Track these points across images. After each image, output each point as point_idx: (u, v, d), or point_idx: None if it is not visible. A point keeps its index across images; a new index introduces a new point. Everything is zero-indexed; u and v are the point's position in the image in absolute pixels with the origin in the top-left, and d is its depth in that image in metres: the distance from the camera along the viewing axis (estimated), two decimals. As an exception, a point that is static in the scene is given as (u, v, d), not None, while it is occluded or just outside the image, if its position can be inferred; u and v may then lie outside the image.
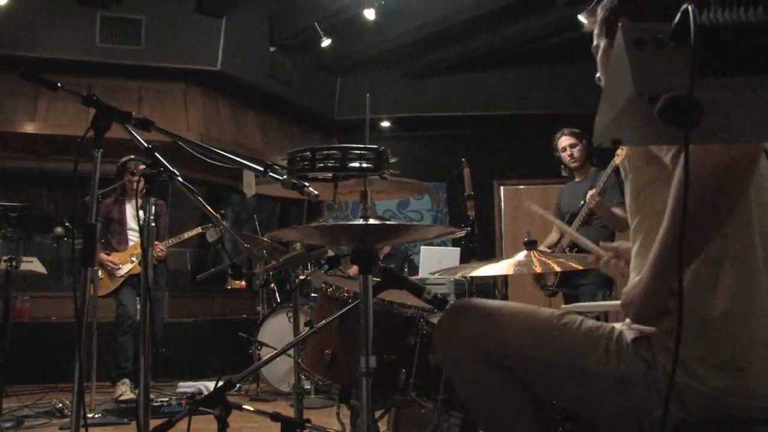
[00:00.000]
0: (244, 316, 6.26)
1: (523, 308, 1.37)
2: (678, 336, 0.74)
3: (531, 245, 2.15)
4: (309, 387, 4.21)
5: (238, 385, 4.81)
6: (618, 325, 1.32)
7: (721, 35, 0.71)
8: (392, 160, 1.54)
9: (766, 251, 1.16)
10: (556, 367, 1.26)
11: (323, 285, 1.87)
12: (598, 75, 1.39)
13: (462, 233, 1.67)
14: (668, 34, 0.73)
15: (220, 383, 1.73)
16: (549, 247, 3.81)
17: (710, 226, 1.06)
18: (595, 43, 1.38)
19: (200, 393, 4.35)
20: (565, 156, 3.85)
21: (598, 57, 1.37)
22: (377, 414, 2.01)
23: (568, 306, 2.02)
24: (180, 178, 1.94)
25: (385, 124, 7.59)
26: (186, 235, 4.57)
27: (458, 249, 4.44)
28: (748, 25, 0.71)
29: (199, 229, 4.53)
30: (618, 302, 1.28)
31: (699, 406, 1.14)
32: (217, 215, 2.10)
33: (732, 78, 0.72)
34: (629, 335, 1.24)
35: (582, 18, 1.41)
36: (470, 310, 1.38)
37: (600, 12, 1.36)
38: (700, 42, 0.69)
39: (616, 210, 3.45)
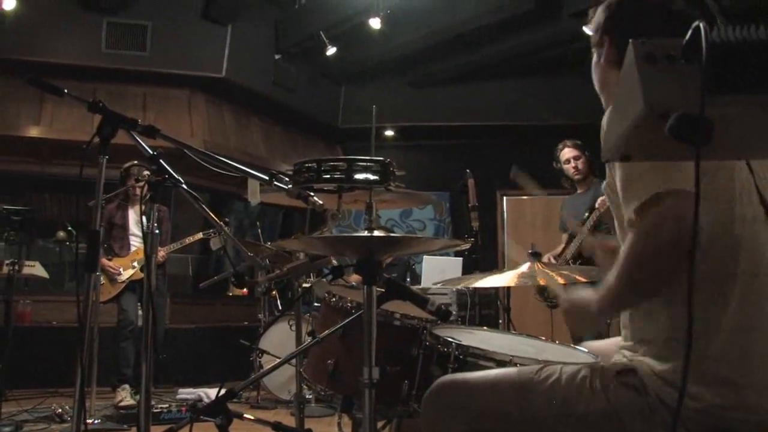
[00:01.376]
0: (246, 323, 6.24)
1: (504, 373, 1.38)
2: (685, 368, 0.73)
3: (535, 257, 2.15)
4: (309, 396, 4.19)
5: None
6: (601, 362, 1.34)
7: (732, 53, 0.71)
8: (399, 173, 1.54)
9: (749, 269, 1.17)
10: (548, 421, 1.26)
11: (326, 295, 1.87)
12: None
13: (467, 245, 1.66)
14: (679, 50, 0.73)
15: (222, 392, 1.72)
16: (553, 258, 3.81)
17: (652, 289, 1.16)
18: (593, 53, 1.39)
19: (200, 400, 4.34)
20: (569, 168, 3.85)
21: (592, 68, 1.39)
22: (379, 425, 2.00)
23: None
24: (185, 186, 1.95)
25: (389, 133, 7.60)
26: (188, 241, 4.57)
27: (461, 259, 4.43)
28: (759, 43, 0.71)
29: (200, 235, 4.53)
30: (591, 360, 1.33)
31: (697, 424, 1.13)
32: (221, 223, 2.10)
33: (742, 95, 0.72)
34: (613, 368, 1.25)
35: (585, 29, 1.43)
36: (453, 388, 1.37)
37: (592, 24, 1.37)
38: (711, 59, 0.69)
39: None
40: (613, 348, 1.46)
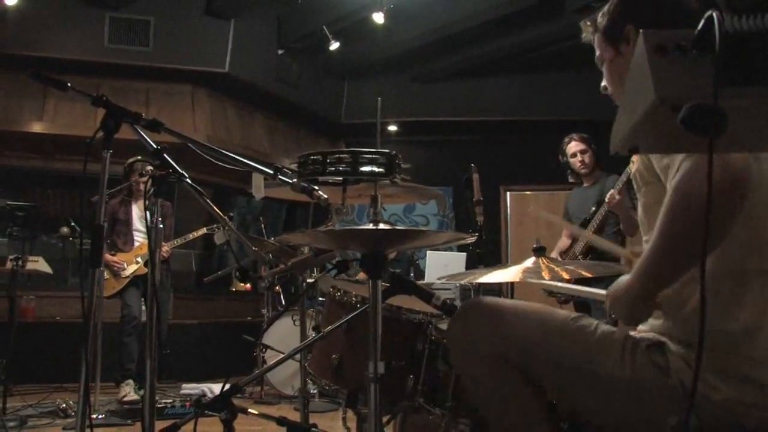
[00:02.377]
0: (249, 318, 6.26)
1: (537, 308, 1.36)
2: (699, 353, 0.73)
3: (540, 252, 2.13)
4: (314, 391, 4.19)
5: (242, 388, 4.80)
6: (633, 332, 1.30)
7: (745, 43, 0.70)
8: (405, 166, 1.53)
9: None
10: (568, 368, 1.25)
11: (331, 289, 1.86)
12: (603, 84, 1.37)
13: (471, 239, 1.66)
14: (690, 41, 0.72)
15: (227, 387, 1.72)
16: (560, 254, 3.78)
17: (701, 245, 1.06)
18: (598, 53, 1.37)
19: (204, 395, 4.34)
20: (575, 162, 3.82)
21: (605, 67, 1.36)
22: (384, 420, 2.00)
23: (549, 283, 1.99)
24: (189, 180, 1.94)
25: (392, 128, 7.59)
26: (191, 236, 4.58)
27: (464, 254, 4.43)
28: (769, 32, 0.70)
29: (204, 230, 4.53)
30: (603, 292, 1.28)
31: (712, 415, 1.13)
32: (226, 218, 2.09)
33: (756, 87, 0.71)
34: (644, 342, 1.24)
35: (582, 26, 1.40)
36: (482, 309, 1.37)
37: (601, 20, 1.34)
38: (724, 49, 0.68)
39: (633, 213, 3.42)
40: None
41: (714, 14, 0.68)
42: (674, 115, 0.70)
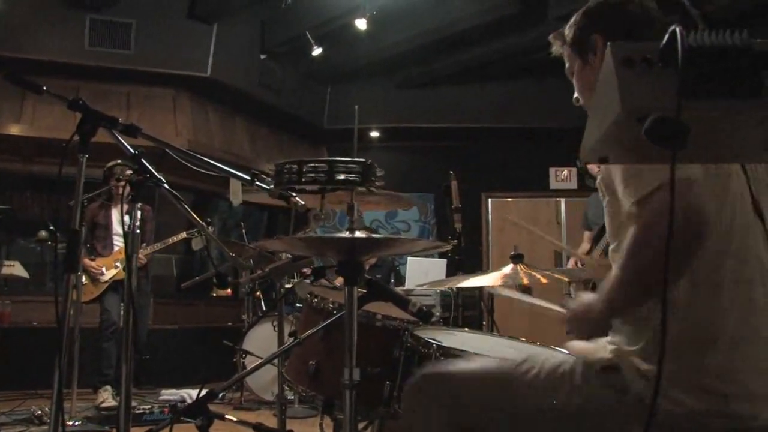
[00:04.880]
0: (229, 323, 6.20)
1: (485, 365, 1.38)
2: (660, 368, 0.74)
3: (517, 259, 2.15)
4: (292, 396, 4.17)
5: (221, 394, 4.77)
6: (582, 359, 1.32)
7: (707, 57, 0.71)
8: (380, 174, 1.53)
9: (739, 278, 1.16)
10: (529, 415, 1.26)
11: (308, 295, 1.86)
12: (576, 96, 1.39)
13: (449, 247, 1.66)
14: (657, 54, 0.74)
15: (203, 393, 1.71)
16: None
17: (658, 279, 1.09)
18: (567, 65, 1.39)
19: (183, 401, 4.30)
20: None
21: (575, 78, 1.38)
22: (360, 426, 1.99)
23: (511, 295, 2.01)
24: (166, 185, 1.93)
25: (374, 134, 7.59)
26: (171, 240, 4.53)
27: (445, 261, 4.44)
28: (734, 48, 0.72)
29: (184, 234, 4.49)
30: (561, 309, 1.30)
31: (678, 428, 1.13)
32: (203, 223, 2.08)
33: (718, 100, 0.72)
34: (596, 365, 1.24)
35: (551, 39, 1.42)
36: (435, 379, 1.38)
37: (568, 32, 1.37)
38: (687, 63, 0.69)
39: None
40: (598, 350, 1.46)
41: (677, 29, 0.69)
42: (640, 127, 0.72)
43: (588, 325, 1.25)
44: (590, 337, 1.24)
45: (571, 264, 3.97)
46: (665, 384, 1.13)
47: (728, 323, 1.14)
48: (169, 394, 4.60)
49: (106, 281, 4.42)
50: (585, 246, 3.92)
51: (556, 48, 1.40)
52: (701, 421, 1.12)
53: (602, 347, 1.36)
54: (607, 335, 1.23)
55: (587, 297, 1.25)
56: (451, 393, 1.33)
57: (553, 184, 7.46)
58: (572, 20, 1.36)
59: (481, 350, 1.59)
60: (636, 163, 1.00)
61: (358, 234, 1.39)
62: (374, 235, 1.46)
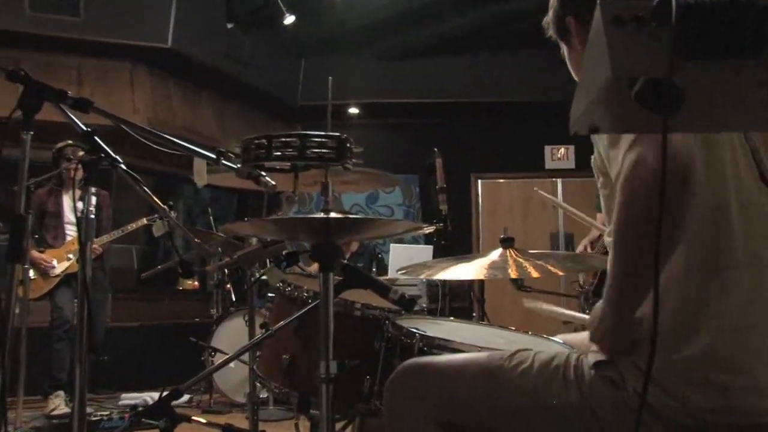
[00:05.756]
0: (197, 319, 6.20)
1: (473, 358, 1.39)
2: (652, 353, 0.75)
3: (507, 243, 2.16)
4: (266, 396, 4.19)
5: (188, 397, 4.77)
6: (576, 351, 1.34)
7: (704, 14, 0.72)
8: (356, 150, 1.54)
9: (743, 261, 1.17)
10: (518, 412, 1.28)
11: (280, 284, 1.87)
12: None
13: (431, 229, 1.67)
14: (649, 12, 0.74)
15: (167, 392, 1.71)
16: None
17: (649, 237, 1.10)
18: (561, 50, 1.42)
19: (146, 405, 4.29)
20: None
21: (567, 61, 1.41)
22: (339, 425, 2.01)
23: (532, 305, 2.04)
24: (123, 166, 1.92)
25: (354, 110, 7.57)
26: (130, 228, 4.50)
27: (431, 247, 4.46)
28: (734, 3, 0.73)
29: (144, 221, 4.46)
30: (587, 317, 1.30)
31: (681, 425, 1.15)
32: (164, 206, 2.07)
33: (716, 61, 0.73)
34: (591, 358, 1.26)
35: (544, 25, 1.44)
36: (418, 372, 1.39)
37: (549, 16, 1.39)
38: (681, 21, 0.70)
39: None
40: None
41: (671, -17, 0.70)
42: (631, 91, 0.73)
43: (605, 335, 1.21)
44: (617, 351, 1.21)
45: (579, 249, 3.99)
46: (664, 378, 1.15)
47: (731, 309, 1.15)
48: (129, 398, 4.59)
49: (58, 275, 4.38)
50: (594, 233, 3.95)
51: (552, 33, 1.42)
52: (706, 418, 1.14)
53: None
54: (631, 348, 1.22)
55: (599, 305, 1.24)
56: (435, 387, 1.34)
57: (549, 164, 7.51)
58: (550, 2, 1.38)
59: (469, 340, 1.61)
60: (628, 132, 1.01)
61: (333, 215, 1.39)
62: (351, 215, 1.47)
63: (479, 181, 7.69)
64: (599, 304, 1.25)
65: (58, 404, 4.18)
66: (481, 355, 1.40)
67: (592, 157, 1.29)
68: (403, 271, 2.19)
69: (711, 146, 1.17)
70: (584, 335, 1.73)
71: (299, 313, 1.68)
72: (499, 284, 4.80)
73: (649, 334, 1.15)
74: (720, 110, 0.84)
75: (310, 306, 1.68)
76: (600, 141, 1.21)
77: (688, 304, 1.17)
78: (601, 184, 1.29)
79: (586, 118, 0.85)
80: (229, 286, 5.20)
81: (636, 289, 1.14)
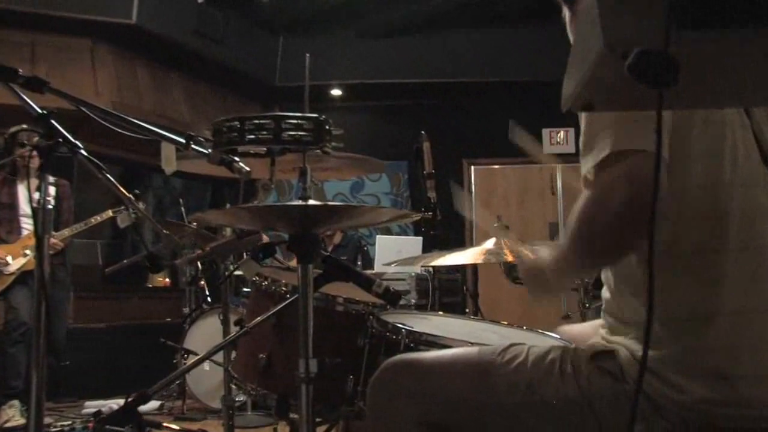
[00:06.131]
0: (168, 319, 6.19)
1: (462, 353, 1.41)
2: (646, 339, 0.77)
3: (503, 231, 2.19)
4: (243, 399, 4.18)
5: (158, 403, 4.77)
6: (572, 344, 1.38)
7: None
8: (336, 132, 1.54)
9: (744, 242, 1.19)
10: (512, 409, 1.29)
11: (257, 278, 1.87)
12: None
13: (418, 216, 1.69)
14: (644, -22, 0.75)
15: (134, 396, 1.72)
16: None
17: (604, 260, 1.25)
18: (563, 13, 1.43)
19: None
20: None
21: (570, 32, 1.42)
22: (321, 429, 2.02)
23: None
24: (84, 151, 1.91)
25: (336, 92, 7.56)
26: (94, 221, 4.47)
27: (420, 239, 4.48)
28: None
29: (110, 213, 4.44)
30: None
31: (683, 418, 1.17)
32: (130, 196, 2.06)
33: (716, 31, 0.74)
34: (588, 350, 1.28)
35: None
36: (403, 369, 1.40)
37: None
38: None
39: None
40: (591, 333, 1.51)
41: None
42: (624, 64, 0.74)
43: (537, 285, 1.39)
44: (542, 295, 1.40)
45: None
46: (662, 367, 1.17)
47: (733, 294, 1.18)
48: (94, 406, 4.57)
49: (13, 273, 4.34)
50: None
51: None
52: (710, 411, 1.15)
53: (596, 331, 1.40)
54: (560, 295, 1.33)
55: (542, 252, 1.36)
56: (422, 385, 1.36)
57: (548, 148, 7.53)
58: None
59: (459, 336, 1.63)
60: (623, 109, 1.02)
61: (312, 202, 1.40)
62: (330, 203, 1.48)
63: (472, 168, 7.71)
64: (542, 251, 1.35)
65: (13, 415, 4.15)
66: (471, 350, 1.41)
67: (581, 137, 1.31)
68: (390, 264, 2.21)
69: (713, 123, 1.19)
70: (582, 328, 1.76)
71: (277, 309, 1.68)
72: (494, 278, 4.83)
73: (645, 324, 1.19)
74: (720, 84, 0.85)
75: (289, 301, 1.69)
76: (582, 123, 1.23)
77: (686, 289, 1.19)
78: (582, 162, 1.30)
79: (578, 94, 0.86)
80: (203, 282, 5.19)
81: (584, 271, 1.29)
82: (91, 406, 4.62)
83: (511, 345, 1.36)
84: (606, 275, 1.34)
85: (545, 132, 7.50)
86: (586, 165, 1.17)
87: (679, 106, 0.90)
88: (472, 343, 1.54)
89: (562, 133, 7.47)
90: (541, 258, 1.34)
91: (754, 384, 1.16)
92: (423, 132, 2.58)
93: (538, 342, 1.64)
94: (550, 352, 1.31)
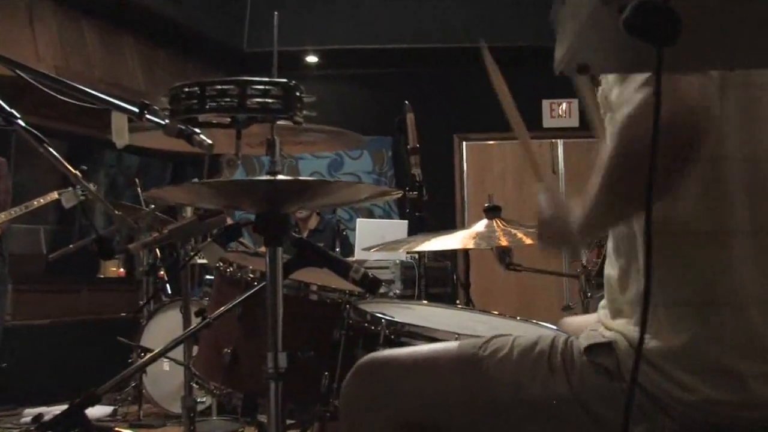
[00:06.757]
0: (123, 314, 6.16)
1: (441, 349, 1.43)
2: (642, 332, 0.78)
3: (493, 212, 2.22)
4: (206, 402, 4.20)
5: (111, 408, 4.76)
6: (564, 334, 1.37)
7: None
8: (308, 99, 1.55)
9: (754, 225, 1.20)
10: (496, 408, 1.31)
11: (220, 263, 1.88)
12: None
13: (400, 194, 1.70)
14: None
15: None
16: None
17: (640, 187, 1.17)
18: None
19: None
20: None
21: None
22: (294, 432, 2.04)
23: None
24: (21, 122, 1.90)
25: (312, 59, 7.53)
26: (36, 204, 4.45)
27: (405, 222, 4.48)
28: None
29: (55, 195, 4.42)
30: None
31: (690, 418, 1.18)
32: (76, 172, 2.06)
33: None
34: (582, 342, 1.29)
35: None
36: (377, 368, 1.42)
37: None
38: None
39: None
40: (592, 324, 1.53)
41: None
42: (619, 18, 0.75)
43: (557, 236, 1.39)
44: (555, 248, 1.43)
45: None
46: (667, 363, 1.18)
47: (750, 281, 1.18)
48: (35, 413, 4.55)
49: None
50: None
51: None
52: (715, 411, 1.17)
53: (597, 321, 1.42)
54: (578, 256, 1.32)
55: (572, 203, 1.31)
56: (399, 386, 1.37)
57: (548, 122, 7.55)
58: None
59: (445, 327, 1.65)
60: (621, 72, 1.03)
61: (280, 177, 1.41)
62: (302, 178, 1.49)
63: (464, 143, 7.73)
64: (572, 202, 1.32)
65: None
66: (451, 345, 1.43)
67: (599, 90, 1.31)
68: (371, 250, 2.22)
69: (724, 86, 1.17)
70: (585, 320, 1.77)
71: (242, 297, 1.69)
72: (488, 266, 4.85)
73: (656, 315, 1.20)
74: (728, 43, 0.87)
75: (256, 288, 1.69)
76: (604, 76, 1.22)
77: (698, 272, 1.20)
78: (608, 119, 1.30)
79: (572, 55, 0.88)
80: (162, 272, 5.18)
81: (613, 221, 1.28)
82: (32, 413, 4.60)
83: (494, 337, 1.37)
84: (611, 248, 1.34)
85: (545, 103, 7.51)
86: (627, 89, 1.12)
87: (680, 67, 0.91)
88: (459, 335, 1.56)
89: (564, 104, 7.48)
90: (566, 209, 1.32)
91: (764, 382, 1.16)
92: (406, 102, 2.59)
93: (532, 334, 1.66)
94: (538, 343, 1.32)
